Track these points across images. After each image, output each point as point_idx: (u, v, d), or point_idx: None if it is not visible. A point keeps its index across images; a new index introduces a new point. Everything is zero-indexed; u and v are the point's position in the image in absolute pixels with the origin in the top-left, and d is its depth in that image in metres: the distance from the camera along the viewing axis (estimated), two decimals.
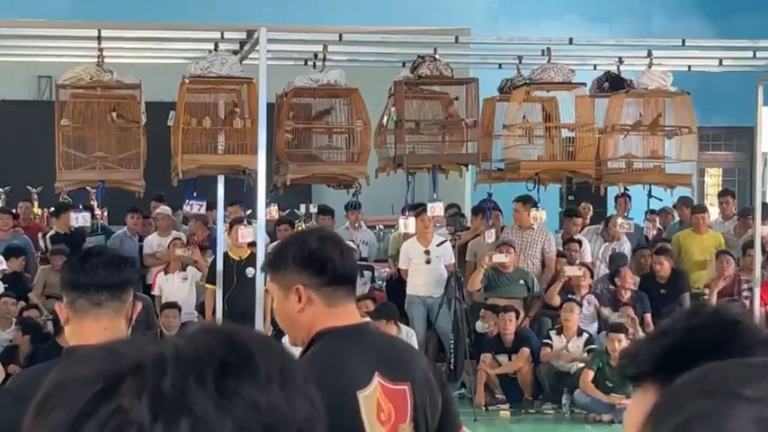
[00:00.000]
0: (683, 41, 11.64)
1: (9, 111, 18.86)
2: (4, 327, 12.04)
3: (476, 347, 12.20)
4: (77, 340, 3.22)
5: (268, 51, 9.75)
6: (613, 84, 11.45)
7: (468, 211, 14.63)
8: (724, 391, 1.07)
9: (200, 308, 12.43)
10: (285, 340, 3.82)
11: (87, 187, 11.15)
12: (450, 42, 11.70)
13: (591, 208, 15.15)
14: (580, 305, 12.38)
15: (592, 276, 12.94)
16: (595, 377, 11.53)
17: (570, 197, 16.27)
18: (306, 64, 11.09)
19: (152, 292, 12.72)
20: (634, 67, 11.70)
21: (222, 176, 10.87)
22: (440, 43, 11.49)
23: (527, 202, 12.36)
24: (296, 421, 1.04)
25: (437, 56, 10.95)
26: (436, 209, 11.58)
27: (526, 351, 11.99)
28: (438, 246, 12.67)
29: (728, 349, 1.36)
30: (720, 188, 17.41)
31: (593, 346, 11.98)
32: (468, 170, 12.02)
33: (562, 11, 17.61)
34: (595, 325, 12.63)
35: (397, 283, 13.25)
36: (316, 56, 10.90)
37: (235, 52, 10.53)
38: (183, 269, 12.88)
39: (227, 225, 11.91)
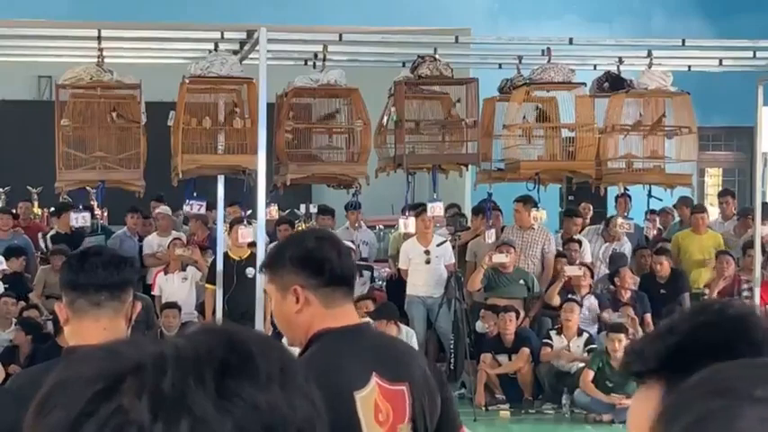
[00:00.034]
0: (683, 41, 11.64)
1: (9, 111, 18.86)
2: (4, 327, 12.04)
3: (476, 347, 12.20)
4: (77, 340, 3.22)
5: (268, 51, 9.75)
6: (613, 84, 11.45)
7: (468, 212, 14.63)
8: (734, 391, 1.08)
9: (200, 308, 12.43)
10: (285, 341, 3.82)
11: (87, 187, 11.15)
12: (450, 42, 11.71)
13: (591, 208, 15.15)
14: (580, 305, 12.38)
15: (592, 276, 12.93)
16: (595, 377, 11.53)
17: (570, 197, 16.26)
18: (306, 64, 11.09)
19: (152, 293, 12.72)
20: (634, 67, 11.70)
21: (222, 176, 10.88)
22: (440, 43, 11.49)
23: (527, 202, 12.36)
24: (296, 421, 1.04)
25: (437, 56, 10.95)
26: (436, 209, 11.58)
27: (526, 351, 11.99)
28: (438, 246, 12.67)
29: (735, 348, 1.36)
30: (720, 188, 17.40)
31: (594, 346, 11.98)
32: (468, 170, 12.02)
33: (562, 11, 17.61)
34: (595, 325, 12.62)
35: (397, 284, 13.25)
36: (316, 56, 10.90)
37: (235, 52, 10.53)
38: (183, 269, 12.88)
39: (227, 225, 11.90)
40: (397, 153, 10.86)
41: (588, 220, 14.82)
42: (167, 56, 11.37)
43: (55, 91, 10.65)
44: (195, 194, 10.80)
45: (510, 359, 12.06)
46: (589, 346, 12.02)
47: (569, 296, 12.51)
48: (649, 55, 11.37)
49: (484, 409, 11.81)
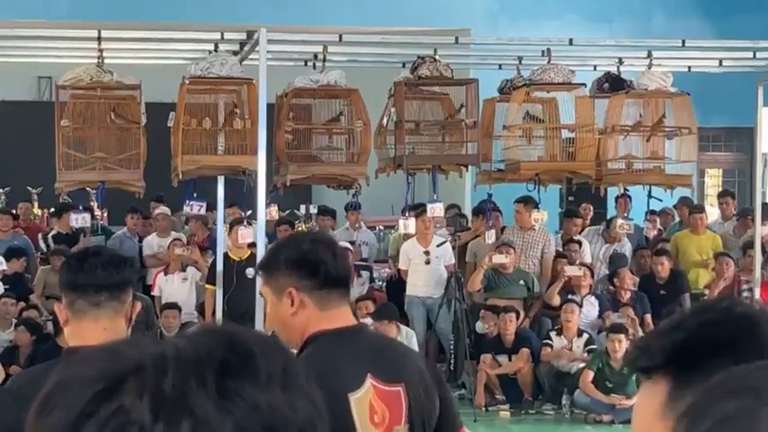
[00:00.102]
0: (683, 42, 11.63)
1: (9, 111, 18.85)
2: (4, 327, 12.04)
3: (476, 348, 12.21)
4: (77, 341, 3.22)
5: (268, 52, 9.75)
6: (613, 84, 11.45)
7: (468, 212, 14.63)
8: (756, 392, 1.08)
9: (200, 308, 12.43)
10: None
11: (87, 188, 11.15)
12: (450, 43, 11.71)
13: (591, 209, 15.15)
14: (580, 306, 12.38)
15: (592, 276, 12.93)
16: (595, 377, 11.53)
17: (570, 198, 16.26)
18: (306, 65, 11.09)
19: (152, 293, 12.73)
20: (634, 67, 11.70)
21: (222, 177, 10.87)
22: (440, 44, 11.49)
23: (528, 203, 12.36)
24: (297, 422, 1.04)
25: (437, 56, 10.95)
26: (436, 209, 11.59)
27: (526, 351, 11.99)
28: (438, 246, 12.67)
29: (742, 346, 1.36)
30: (720, 189, 17.40)
31: (594, 347, 11.98)
32: (468, 171, 12.02)
33: (562, 11, 17.61)
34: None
35: (397, 284, 13.26)
36: (316, 56, 10.90)
37: (235, 53, 10.53)
38: (183, 270, 12.88)
39: (227, 226, 11.91)
40: (396, 154, 10.86)
41: (588, 221, 14.82)
42: (167, 56, 11.37)
43: (55, 92, 10.65)
44: (195, 195, 10.80)
45: (510, 360, 12.06)
46: (589, 347, 12.02)
47: (569, 296, 12.52)
48: (649, 55, 11.37)
49: (484, 409, 11.81)
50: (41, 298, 12.72)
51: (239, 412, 1.01)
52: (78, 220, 10.87)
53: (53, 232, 14.01)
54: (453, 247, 12.66)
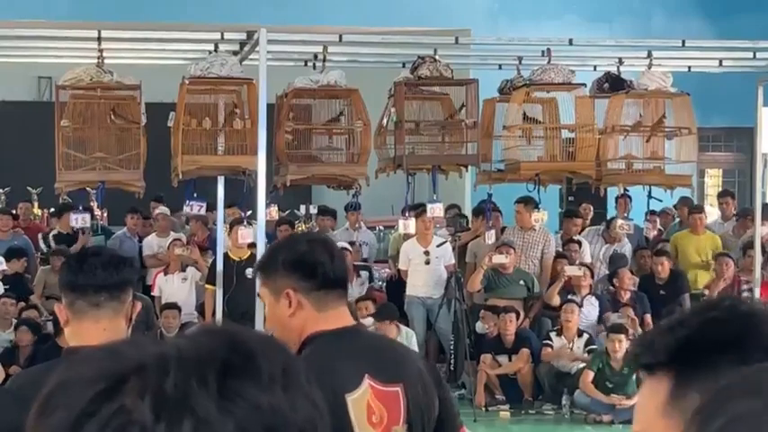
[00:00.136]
0: (683, 42, 11.63)
1: (9, 111, 18.85)
2: (4, 327, 12.04)
3: (476, 348, 12.21)
4: (77, 341, 3.22)
5: (268, 52, 9.75)
6: (613, 84, 11.45)
7: (468, 212, 14.63)
8: (765, 393, 1.08)
9: (200, 308, 12.43)
10: None
11: (87, 188, 11.15)
12: (450, 43, 11.71)
13: (591, 209, 15.15)
14: (580, 306, 12.38)
15: (592, 276, 12.93)
16: (595, 378, 11.53)
17: (570, 198, 16.26)
18: (306, 65, 11.09)
19: (152, 293, 12.73)
20: (634, 67, 11.70)
21: (222, 177, 10.88)
22: (440, 44, 11.49)
23: (529, 203, 12.36)
24: (298, 422, 1.04)
25: (437, 56, 10.95)
26: (436, 210, 11.59)
27: (526, 351, 11.99)
28: (438, 247, 12.67)
29: (745, 344, 1.36)
30: (720, 189, 17.40)
31: (594, 347, 11.98)
32: (467, 171, 12.02)
33: (562, 11, 17.61)
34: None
35: (397, 284, 13.26)
36: (316, 56, 10.90)
37: (235, 53, 10.53)
38: (183, 270, 12.89)
39: (227, 226, 11.91)
40: (396, 154, 10.87)
41: (588, 221, 14.82)
42: (167, 56, 11.38)
43: (55, 92, 10.65)
44: (195, 195, 10.81)
45: (510, 360, 12.06)
46: (589, 347, 12.02)
47: (569, 297, 12.52)
48: (649, 55, 11.37)
49: (484, 409, 11.81)
50: (41, 298, 12.73)
51: (241, 412, 1.00)
52: (78, 220, 10.87)
53: (54, 232, 14.02)
54: (453, 248, 12.66)
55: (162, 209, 13.93)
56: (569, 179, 11.97)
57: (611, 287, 13.13)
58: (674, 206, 14.94)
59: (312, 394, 1.08)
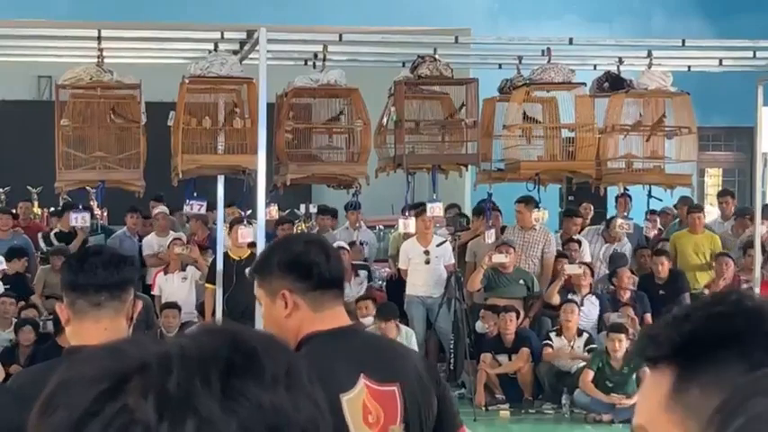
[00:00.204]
0: (683, 41, 11.64)
1: (9, 111, 18.85)
2: (4, 327, 12.05)
3: (476, 347, 12.21)
4: (78, 341, 3.21)
5: (268, 51, 9.75)
6: (613, 84, 11.45)
7: (468, 212, 14.63)
8: None
9: (200, 308, 12.43)
10: None
11: (87, 187, 11.15)
12: (450, 42, 11.71)
13: (592, 208, 15.15)
14: (580, 305, 12.39)
15: (592, 275, 12.93)
16: (595, 377, 11.53)
17: (570, 197, 16.26)
18: (306, 64, 11.09)
19: (152, 292, 12.73)
20: (634, 67, 11.70)
21: (222, 176, 10.88)
22: (440, 43, 11.49)
23: (529, 202, 12.36)
24: (300, 422, 1.04)
25: (437, 56, 10.95)
26: (435, 209, 11.59)
27: (526, 351, 11.99)
28: (438, 246, 12.67)
29: (749, 340, 1.36)
30: (720, 188, 17.41)
31: (594, 346, 11.98)
32: (467, 170, 12.03)
33: (562, 11, 17.61)
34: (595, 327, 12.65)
35: (396, 284, 13.26)
36: (316, 56, 10.90)
37: (235, 52, 10.53)
38: (183, 269, 12.89)
39: (228, 225, 11.91)
40: (396, 153, 10.86)
41: (588, 221, 14.82)
42: (167, 56, 11.38)
43: (55, 91, 10.65)
44: (195, 194, 10.81)
45: (510, 359, 12.06)
46: (589, 346, 12.02)
47: (569, 296, 12.52)
48: (649, 55, 11.37)
49: (484, 409, 11.81)
50: (41, 297, 12.73)
51: (244, 412, 1.00)
52: (78, 219, 10.87)
53: (56, 230, 14.05)
54: (453, 247, 12.66)
55: (161, 208, 13.93)
56: (569, 178, 11.97)
57: (611, 286, 13.13)
58: (674, 206, 14.94)
59: (314, 394, 1.08)
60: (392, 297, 12.90)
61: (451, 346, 12.42)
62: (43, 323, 11.90)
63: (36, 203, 16.06)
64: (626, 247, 13.86)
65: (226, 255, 11.50)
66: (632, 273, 13.22)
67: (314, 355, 3.06)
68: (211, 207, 11.96)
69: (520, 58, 11.38)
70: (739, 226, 14.16)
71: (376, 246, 15.12)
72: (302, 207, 15.74)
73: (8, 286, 12.66)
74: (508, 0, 17.96)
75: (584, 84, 11.33)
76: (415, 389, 3.21)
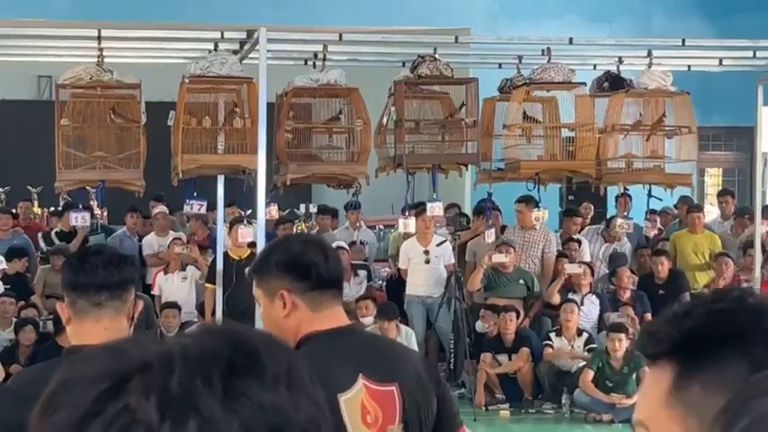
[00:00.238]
0: (683, 41, 11.64)
1: (9, 111, 18.85)
2: (4, 326, 12.05)
3: (476, 347, 12.21)
4: (79, 340, 3.21)
5: (268, 51, 9.76)
6: (613, 83, 11.45)
7: (468, 211, 14.63)
8: None
9: (200, 307, 12.43)
10: None
11: (87, 187, 11.15)
12: (450, 42, 11.71)
13: (592, 208, 15.15)
14: (580, 305, 12.39)
15: (592, 274, 12.93)
16: (595, 377, 11.53)
17: (570, 197, 16.27)
18: (306, 64, 11.09)
19: (152, 292, 12.73)
20: (634, 66, 11.71)
21: (222, 176, 10.88)
22: (440, 43, 11.50)
23: (530, 202, 12.36)
24: (301, 422, 1.04)
25: (437, 56, 10.95)
26: (435, 209, 11.59)
27: (526, 351, 11.99)
28: (438, 246, 12.67)
29: (750, 337, 1.35)
30: (720, 188, 17.41)
31: (594, 346, 11.98)
32: (467, 170, 12.03)
33: (562, 11, 17.61)
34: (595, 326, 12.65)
35: (397, 283, 13.26)
36: (316, 56, 10.90)
37: (235, 52, 10.53)
38: (183, 269, 12.89)
39: (228, 225, 11.92)
40: (396, 153, 10.87)
41: (589, 220, 14.82)
42: (167, 56, 11.38)
43: (55, 91, 10.65)
44: (195, 194, 10.81)
45: (510, 359, 12.06)
46: (589, 346, 12.02)
47: (569, 295, 12.52)
48: (649, 55, 11.37)
49: (484, 408, 11.81)
50: (41, 297, 12.73)
51: (245, 412, 1.00)
52: (78, 218, 10.87)
53: (56, 229, 14.06)
54: (453, 247, 12.66)
55: (161, 208, 13.93)
56: (569, 178, 11.97)
57: (611, 286, 13.13)
58: (674, 205, 14.94)
59: (314, 394, 1.07)
60: (392, 297, 12.89)
61: (451, 346, 12.42)
62: (43, 323, 11.89)
63: (36, 203, 16.06)
64: (626, 247, 13.86)
65: (226, 254, 11.50)
66: (632, 272, 13.22)
67: (312, 355, 3.06)
68: (211, 207, 11.96)
69: (520, 57, 11.38)
70: (738, 226, 14.16)
71: (376, 246, 15.11)
72: (302, 207, 15.74)
73: (8, 286, 12.67)
74: (508, 0, 17.96)
75: (584, 83, 11.33)
76: (414, 389, 3.21)
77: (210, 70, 10.14)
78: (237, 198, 11.57)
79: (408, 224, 11.75)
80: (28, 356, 11.22)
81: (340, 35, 10.95)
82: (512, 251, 12.48)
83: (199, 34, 11.03)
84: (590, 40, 12.37)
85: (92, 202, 12.32)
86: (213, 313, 11.52)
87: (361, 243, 14.03)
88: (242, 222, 11.44)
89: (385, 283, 13.89)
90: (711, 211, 15.56)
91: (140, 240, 13.68)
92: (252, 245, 11.14)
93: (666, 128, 11.37)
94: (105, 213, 13.44)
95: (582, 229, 14.15)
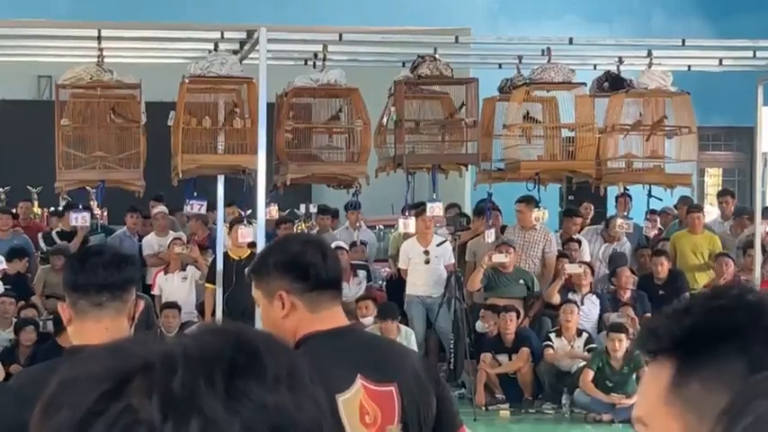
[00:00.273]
0: (683, 41, 11.64)
1: (9, 111, 18.85)
2: (4, 326, 12.04)
3: (476, 347, 12.20)
4: (80, 340, 3.21)
5: (268, 51, 9.76)
6: (613, 83, 11.45)
7: (469, 211, 14.63)
8: None
9: (200, 308, 12.44)
10: None
11: (87, 187, 11.15)
12: (450, 42, 11.71)
13: (592, 208, 15.15)
14: (580, 305, 12.39)
15: (593, 274, 12.93)
16: (595, 377, 11.53)
17: (570, 197, 16.27)
18: (306, 64, 11.10)
19: (152, 292, 12.73)
20: (634, 66, 11.71)
21: (222, 176, 10.88)
22: (440, 43, 11.49)
23: (530, 202, 12.36)
24: (303, 422, 1.04)
25: (437, 56, 10.95)
26: (435, 209, 11.59)
27: (526, 351, 11.99)
28: (437, 246, 12.67)
29: (749, 334, 1.35)
30: (720, 188, 17.41)
31: (594, 346, 11.98)
32: (467, 170, 12.03)
33: (562, 11, 17.61)
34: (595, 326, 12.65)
35: (396, 283, 13.26)
36: (316, 56, 10.91)
37: (235, 52, 10.53)
38: (183, 269, 12.89)
39: (228, 225, 11.92)
40: (396, 153, 10.87)
41: (589, 220, 14.82)
42: (167, 56, 11.38)
43: (55, 91, 10.65)
44: (195, 194, 10.81)
45: (510, 359, 12.06)
46: (589, 346, 12.02)
47: (570, 295, 12.52)
48: (649, 55, 11.38)
49: (484, 408, 11.81)
50: (42, 297, 12.73)
51: (247, 412, 1.00)
52: (78, 219, 10.88)
53: (57, 229, 14.07)
54: (453, 247, 12.66)
55: (161, 208, 13.93)
56: (569, 178, 11.97)
57: (611, 286, 13.13)
58: (675, 206, 14.94)
59: (316, 394, 1.07)
60: (392, 297, 12.89)
61: (451, 346, 12.42)
62: (43, 323, 11.90)
63: (36, 203, 16.06)
64: (625, 247, 13.86)
65: (226, 255, 11.50)
66: (632, 272, 13.21)
67: (310, 355, 3.05)
68: (211, 207, 11.96)
69: (520, 57, 11.38)
70: (737, 226, 14.16)
71: (376, 246, 15.11)
72: (302, 207, 15.74)
73: (9, 286, 12.67)
74: (508, 0, 17.96)
75: (584, 83, 11.33)
76: (414, 389, 3.20)
77: (210, 70, 10.14)
78: (237, 198, 11.57)
79: (408, 224, 11.75)
80: (28, 356, 11.22)
81: (340, 35, 10.95)
82: (512, 251, 12.48)
83: (199, 34, 11.03)
84: (590, 40, 12.38)
85: (92, 202, 12.32)
86: (213, 313, 11.52)
87: (362, 243, 14.03)
88: (242, 222, 11.44)
89: (385, 283, 13.89)
90: (711, 212, 15.56)
91: (140, 240, 13.68)
92: (252, 245, 11.13)
93: (666, 128, 11.37)
94: (105, 213, 13.44)
95: (582, 229, 14.15)
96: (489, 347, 12.13)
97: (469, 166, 11.69)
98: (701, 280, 13.35)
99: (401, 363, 3.26)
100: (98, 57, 10.26)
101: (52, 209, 15.21)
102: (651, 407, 1.38)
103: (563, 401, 11.82)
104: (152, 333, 11.36)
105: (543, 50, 11.15)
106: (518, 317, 12.21)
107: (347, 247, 13.17)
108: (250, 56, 10.29)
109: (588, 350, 11.98)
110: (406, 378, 3.20)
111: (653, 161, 11.43)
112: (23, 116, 17.92)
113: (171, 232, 13.56)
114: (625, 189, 12.18)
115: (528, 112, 11.25)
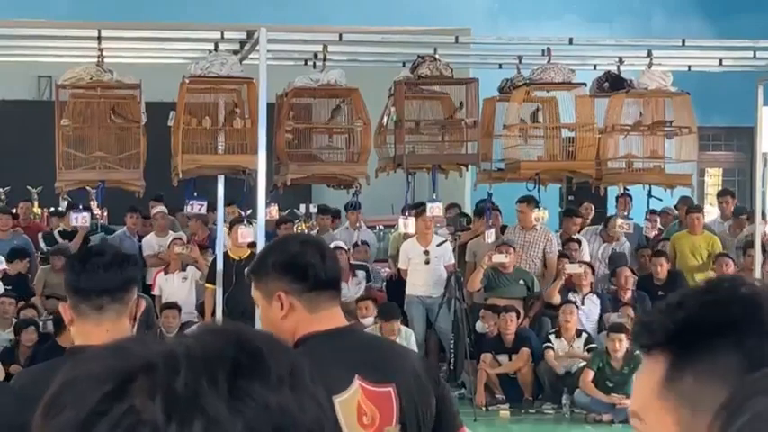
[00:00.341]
0: (683, 41, 11.64)
1: (9, 111, 18.85)
2: (4, 327, 12.04)
3: (476, 347, 12.21)
4: (82, 340, 3.21)
5: (268, 51, 9.76)
6: (613, 84, 11.45)
7: (469, 211, 14.62)
8: None
9: (200, 308, 12.43)
10: None
11: (87, 187, 11.15)
12: (450, 42, 11.71)
13: (592, 208, 15.15)
14: (580, 305, 12.39)
15: (593, 274, 12.93)
16: (595, 377, 11.53)
17: (570, 197, 16.26)
18: (306, 64, 11.10)
19: (152, 293, 12.72)
20: (634, 67, 11.71)
21: (222, 176, 10.88)
22: (440, 43, 11.50)
23: (531, 202, 12.37)
24: (305, 422, 1.03)
25: (437, 56, 10.95)
26: (435, 209, 11.59)
27: (526, 351, 11.99)
28: (438, 246, 12.67)
29: (744, 327, 1.35)
30: (720, 188, 17.40)
31: (594, 346, 11.98)
32: (467, 170, 12.03)
33: (562, 11, 17.61)
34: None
35: (396, 283, 13.26)
36: (316, 56, 10.91)
37: (235, 52, 10.53)
38: (183, 269, 12.89)
39: (228, 225, 11.92)
40: (396, 153, 10.87)
41: (589, 221, 14.81)
42: (167, 56, 11.38)
43: (55, 91, 10.65)
44: (195, 194, 10.81)
45: (510, 359, 12.06)
46: (589, 346, 12.02)
47: (570, 295, 12.52)
48: (649, 55, 11.38)
49: (484, 408, 11.81)
50: (42, 297, 12.73)
51: (250, 413, 1.00)
52: (78, 219, 10.88)
53: (59, 229, 14.08)
54: (453, 247, 12.66)
55: (161, 208, 13.93)
56: (569, 178, 11.97)
57: (612, 286, 13.13)
58: (675, 206, 14.94)
59: (317, 394, 1.07)
60: (392, 297, 12.90)
61: (451, 346, 12.42)
62: (43, 323, 11.90)
63: (36, 203, 16.06)
64: (625, 247, 13.85)
65: (226, 255, 11.50)
66: (633, 273, 13.21)
67: (308, 356, 3.05)
68: (211, 207, 11.97)
69: (520, 58, 11.38)
70: (736, 226, 14.17)
71: (376, 246, 15.12)
72: (302, 207, 15.74)
73: (9, 287, 12.67)
74: (508, 0, 17.96)
75: (584, 84, 11.33)
76: (412, 389, 3.20)
77: (211, 70, 10.14)
78: (237, 198, 11.57)
79: (408, 224, 11.75)
80: (28, 357, 11.22)
81: (340, 35, 10.95)
82: (512, 251, 12.48)
83: (199, 34, 11.03)
84: (590, 40, 12.37)
85: (92, 203, 12.32)
86: (213, 313, 11.52)
87: (363, 243, 14.03)
88: (242, 222, 11.44)
89: (385, 283, 13.89)
90: (711, 212, 15.55)
91: (140, 240, 13.67)
92: (252, 245, 11.13)
93: (666, 128, 11.37)
94: (105, 213, 13.44)
95: (581, 229, 14.15)
96: (489, 348, 12.13)
97: (470, 167, 11.69)
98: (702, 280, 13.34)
99: (400, 363, 3.26)
100: (98, 57, 10.26)
101: (52, 209, 15.21)
102: (645, 401, 1.38)
103: (563, 401, 11.82)
104: (152, 333, 11.37)
105: (543, 51, 11.16)
106: (518, 317, 12.21)
107: (346, 248, 13.17)
108: (250, 56, 10.29)
109: (588, 350, 11.98)
110: (404, 378, 3.19)
111: (653, 161, 11.43)
112: (23, 116, 17.92)
113: (171, 232, 13.56)
114: (625, 189, 12.18)
115: (538, 109, 11.26)
